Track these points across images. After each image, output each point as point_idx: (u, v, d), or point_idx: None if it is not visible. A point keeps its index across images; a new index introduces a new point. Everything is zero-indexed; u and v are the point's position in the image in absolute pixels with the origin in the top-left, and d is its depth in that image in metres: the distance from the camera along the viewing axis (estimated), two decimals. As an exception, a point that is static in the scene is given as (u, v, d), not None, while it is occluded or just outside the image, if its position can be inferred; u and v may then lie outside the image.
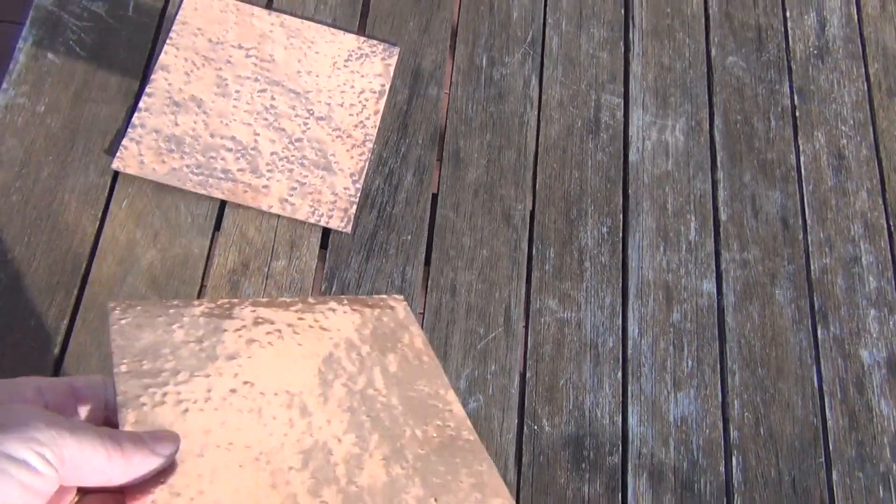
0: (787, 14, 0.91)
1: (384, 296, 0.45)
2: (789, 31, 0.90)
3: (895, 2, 0.94)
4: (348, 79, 0.77)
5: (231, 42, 0.77)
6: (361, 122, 0.76)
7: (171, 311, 0.41)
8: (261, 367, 0.39)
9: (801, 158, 0.83)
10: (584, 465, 0.67)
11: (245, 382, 0.38)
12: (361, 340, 0.42)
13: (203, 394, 0.37)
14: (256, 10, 0.79)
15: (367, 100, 0.77)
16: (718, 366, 0.73)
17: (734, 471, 0.69)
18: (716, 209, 0.79)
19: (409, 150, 0.76)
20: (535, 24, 0.85)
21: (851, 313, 0.77)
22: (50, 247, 0.67)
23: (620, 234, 0.77)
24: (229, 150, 0.73)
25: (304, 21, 0.79)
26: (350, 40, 0.79)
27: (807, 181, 0.82)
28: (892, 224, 0.82)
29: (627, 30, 0.86)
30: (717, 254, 0.77)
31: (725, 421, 0.71)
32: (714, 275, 0.76)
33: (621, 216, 0.77)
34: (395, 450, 0.37)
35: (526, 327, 0.72)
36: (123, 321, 0.40)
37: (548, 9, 0.86)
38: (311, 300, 0.43)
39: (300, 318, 0.42)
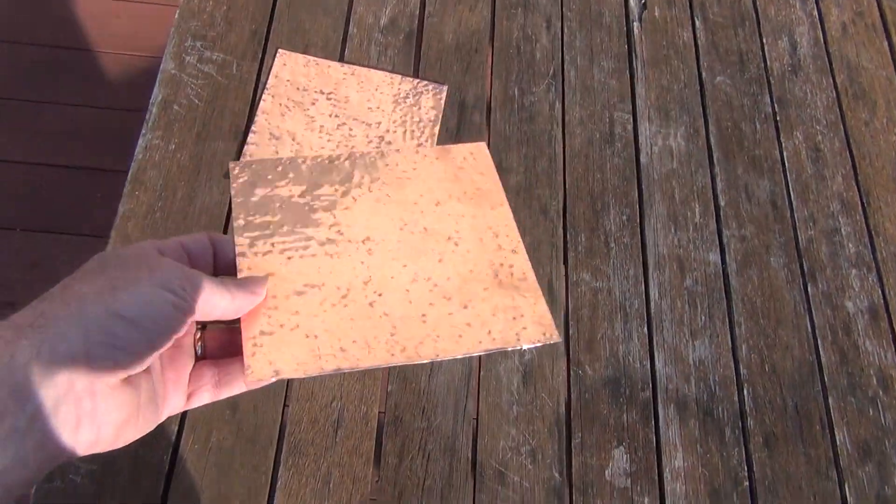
0: (764, 40, 1.09)
1: (468, 144, 0.51)
2: (766, 54, 1.08)
3: (854, 24, 1.12)
4: (408, 111, 0.97)
5: (314, 89, 0.97)
6: (421, 143, 0.95)
7: (280, 168, 0.47)
8: (352, 217, 0.45)
9: (784, 153, 1.00)
10: (621, 400, 0.83)
11: (338, 232, 0.44)
12: (443, 189, 0.47)
13: (303, 243, 0.44)
14: (332, 63, 0.99)
15: (424, 127, 0.96)
16: (727, 319, 0.88)
17: (746, 399, 0.84)
18: (715, 197, 0.96)
19: (460, 163, 0.95)
20: (555, 61, 1.04)
21: (836, 273, 0.93)
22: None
23: (638, 220, 0.94)
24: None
25: (370, 69, 0.99)
26: (407, 82, 0.99)
27: (790, 171, 0.99)
28: (864, 201, 0.98)
29: (631, 61, 1.05)
30: (720, 232, 0.94)
31: (736, 361, 0.86)
32: (718, 248, 0.93)
33: (637, 206, 0.94)
34: (456, 290, 0.44)
35: (566, 296, 0.88)
36: (241, 179, 0.46)
37: (564, 48, 1.05)
38: (399, 151, 0.50)
39: (390, 169, 0.48)
